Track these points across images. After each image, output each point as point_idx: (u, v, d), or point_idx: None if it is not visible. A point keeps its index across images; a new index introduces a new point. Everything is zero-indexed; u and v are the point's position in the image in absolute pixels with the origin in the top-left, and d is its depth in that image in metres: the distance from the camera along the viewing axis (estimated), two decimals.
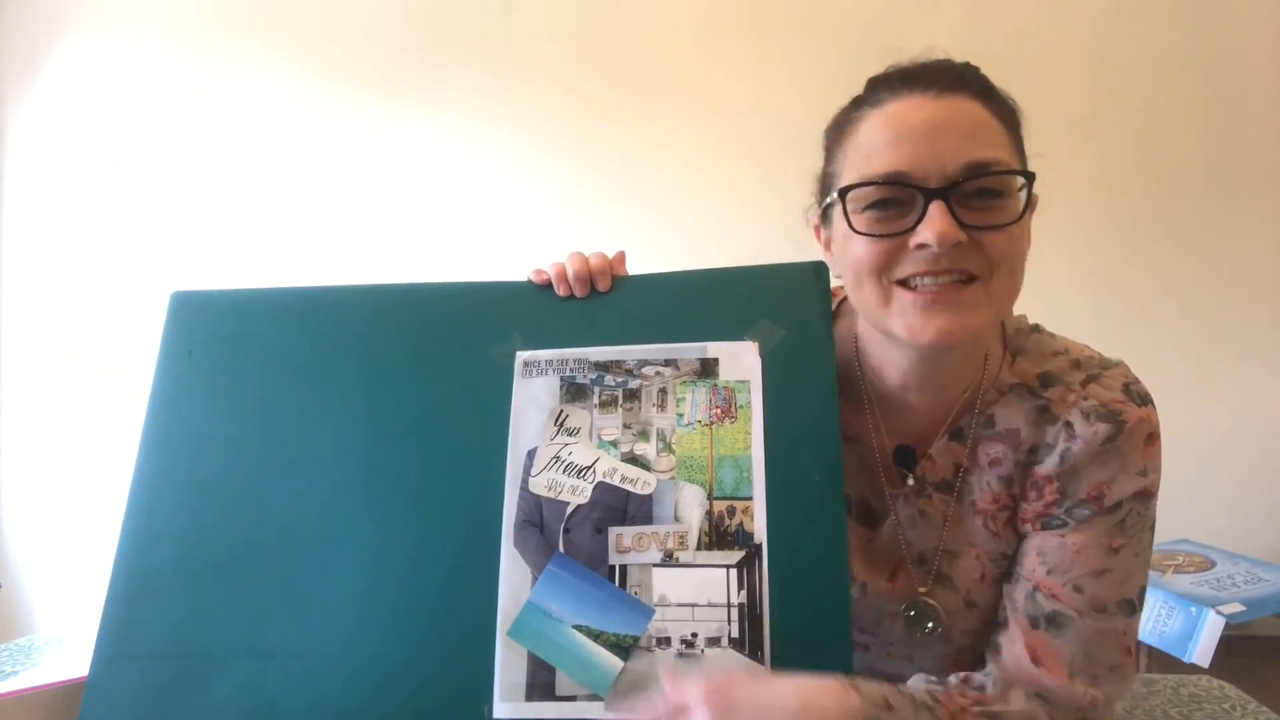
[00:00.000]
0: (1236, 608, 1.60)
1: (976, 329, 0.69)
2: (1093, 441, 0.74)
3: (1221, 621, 1.56)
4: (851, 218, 0.71)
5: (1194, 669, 1.50)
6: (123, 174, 2.55)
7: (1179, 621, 1.62)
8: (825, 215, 0.78)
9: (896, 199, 0.69)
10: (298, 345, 0.85)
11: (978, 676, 0.74)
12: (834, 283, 0.82)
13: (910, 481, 0.81)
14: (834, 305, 0.87)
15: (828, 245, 0.80)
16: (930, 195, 0.67)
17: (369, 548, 0.77)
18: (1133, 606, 0.75)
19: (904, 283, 0.70)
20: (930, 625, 0.80)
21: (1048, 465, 0.76)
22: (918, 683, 0.74)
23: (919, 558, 0.82)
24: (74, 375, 2.55)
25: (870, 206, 0.70)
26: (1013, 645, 0.74)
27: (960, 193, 0.67)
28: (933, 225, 0.66)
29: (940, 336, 0.68)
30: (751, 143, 2.34)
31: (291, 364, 0.84)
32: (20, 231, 2.60)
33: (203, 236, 2.52)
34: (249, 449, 0.82)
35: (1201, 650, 1.56)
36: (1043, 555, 0.75)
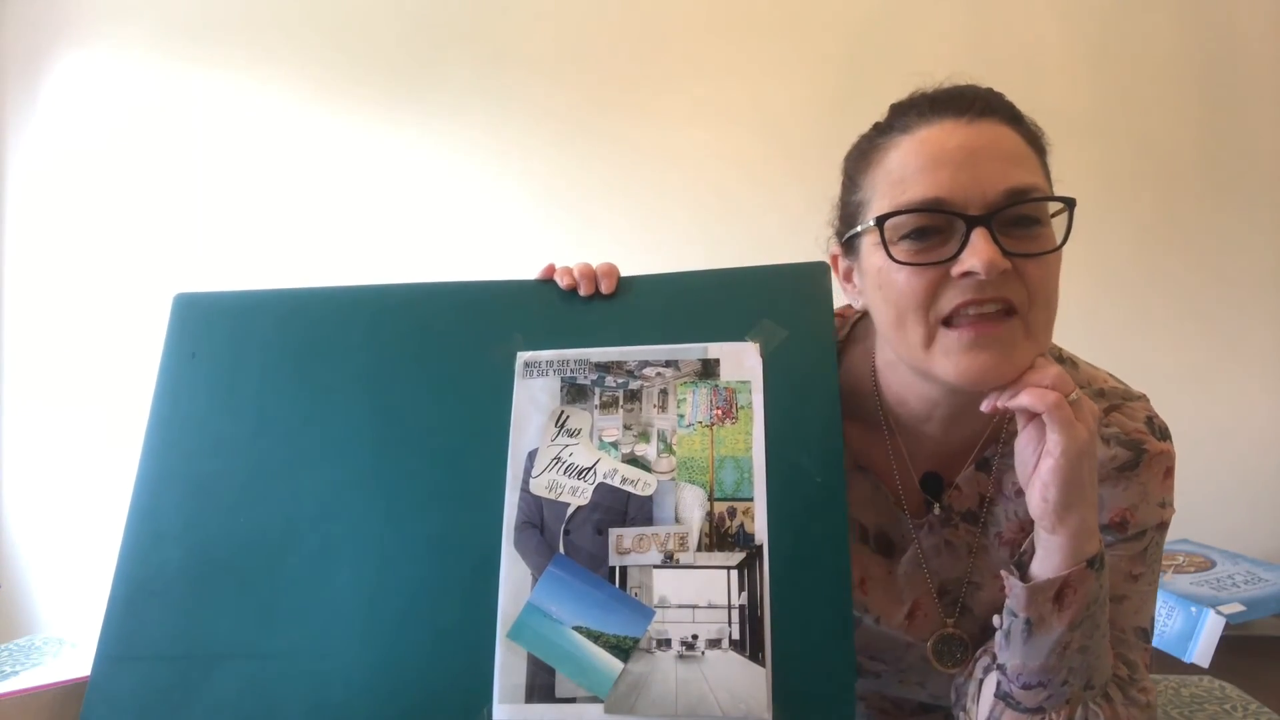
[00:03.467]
0: (1236, 608, 1.60)
1: (1019, 366, 0.67)
2: (1108, 464, 0.74)
3: (1221, 621, 1.56)
4: (890, 247, 0.68)
5: (1194, 669, 1.50)
6: (125, 177, 2.55)
7: (1179, 621, 1.61)
8: (849, 245, 0.76)
9: (935, 227, 0.67)
10: (299, 346, 0.85)
11: None
12: (839, 303, 0.81)
13: (937, 510, 0.81)
14: (846, 329, 0.87)
15: (848, 276, 0.78)
16: (972, 222, 0.65)
17: (370, 549, 0.77)
18: (1146, 635, 0.76)
19: (947, 321, 0.68)
20: (959, 658, 0.80)
21: None
22: None
23: (940, 589, 0.81)
24: (75, 376, 2.55)
25: (906, 236, 0.68)
26: None
27: (1001, 220, 0.66)
28: (978, 253, 0.64)
29: (986, 375, 0.67)
30: (751, 144, 2.34)
31: (293, 365, 0.84)
32: (23, 234, 2.60)
33: (205, 240, 2.52)
34: (251, 450, 0.82)
35: (1201, 650, 1.56)
36: None
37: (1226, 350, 2.22)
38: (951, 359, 0.67)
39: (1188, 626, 1.60)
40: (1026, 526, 0.77)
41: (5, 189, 2.61)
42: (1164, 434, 0.76)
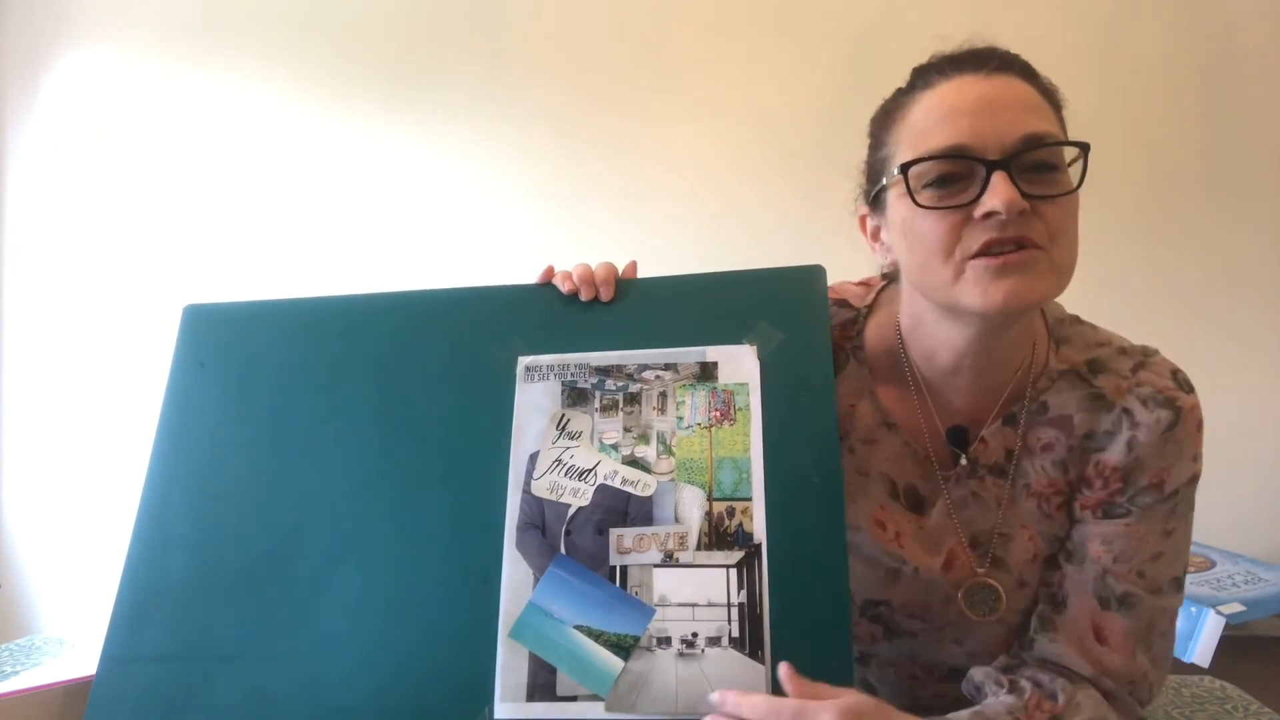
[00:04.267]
0: (1236, 608, 1.60)
1: (1044, 294, 0.70)
2: (1155, 429, 0.76)
3: (1221, 621, 1.56)
4: (915, 195, 0.71)
5: (1194, 669, 1.50)
6: (125, 177, 2.55)
7: (1179, 621, 1.61)
8: (876, 201, 0.79)
9: (956, 174, 0.70)
10: (305, 354, 0.86)
11: (1046, 682, 0.74)
12: (859, 275, 0.82)
13: (964, 462, 0.82)
14: (872, 296, 0.89)
15: (875, 235, 0.81)
16: (992, 166, 0.68)
17: (374, 552, 0.78)
18: (1179, 584, 0.79)
19: (972, 257, 0.70)
20: (991, 607, 0.81)
21: (1114, 453, 0.78)
22: (996, 704, 0.74)
23: (972, 540, 0.83)
24: (75, 376, 2.55)
25: (929, 185, 0.71)
26: (1075, 624, 0.76)
27: (1019, 164, 0.68)
28: (998, 193, 0.67)
29: (1011, 299, 0.69)
30: (752, 146, 2.34)
31: (299, 373, 0.86)
32: (23, 234, 2.61)
33: (204, 238, 2.52)
34: (257, 456, 0.83)
35: (1202, 650, 1.56)
36: (1108, 543, 0.77)
37: (1226, 349, 2.22)
38: (979, 287, 0.70)
39: (1188, 626, 1.60)
40: (1055, 481, 0.80)
41: (5, 189, 2.62)
42: (1189, 386, 0.79)
